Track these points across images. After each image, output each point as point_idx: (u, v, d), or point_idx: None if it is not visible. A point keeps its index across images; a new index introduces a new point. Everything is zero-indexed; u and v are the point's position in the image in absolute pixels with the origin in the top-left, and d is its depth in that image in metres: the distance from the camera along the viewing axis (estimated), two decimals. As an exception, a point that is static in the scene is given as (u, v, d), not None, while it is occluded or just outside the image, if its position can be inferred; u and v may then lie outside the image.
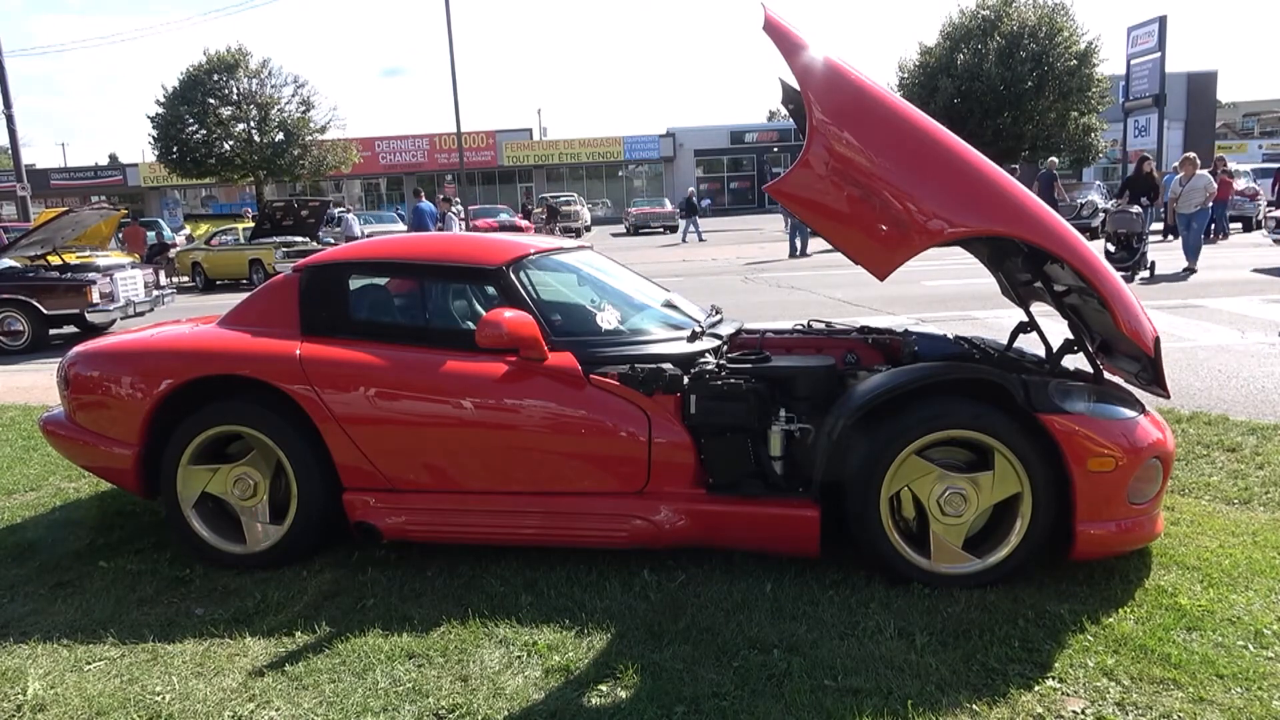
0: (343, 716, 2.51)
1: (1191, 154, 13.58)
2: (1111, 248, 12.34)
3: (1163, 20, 25.57)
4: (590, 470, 3.33)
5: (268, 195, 36.01)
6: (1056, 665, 2.61)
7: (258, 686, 2.68)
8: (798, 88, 3.04)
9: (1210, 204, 13.20)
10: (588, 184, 47.20)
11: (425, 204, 16.14)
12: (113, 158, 51.30)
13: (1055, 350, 3.44)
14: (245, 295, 3.95)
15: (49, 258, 11.82)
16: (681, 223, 27.92)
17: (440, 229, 16.23)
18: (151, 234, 23.66)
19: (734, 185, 47.54)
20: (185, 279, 19.83)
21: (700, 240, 25.92)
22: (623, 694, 2.55)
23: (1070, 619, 2.85)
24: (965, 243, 3.35)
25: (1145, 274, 11.97)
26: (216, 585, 3.42)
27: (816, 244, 18.45)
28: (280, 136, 34.40)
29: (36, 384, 8.14)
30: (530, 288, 3.67)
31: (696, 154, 47.58)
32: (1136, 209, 12.51)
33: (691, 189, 29.89)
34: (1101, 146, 31.80)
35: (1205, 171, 13.39)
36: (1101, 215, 19.39)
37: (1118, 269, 10.94)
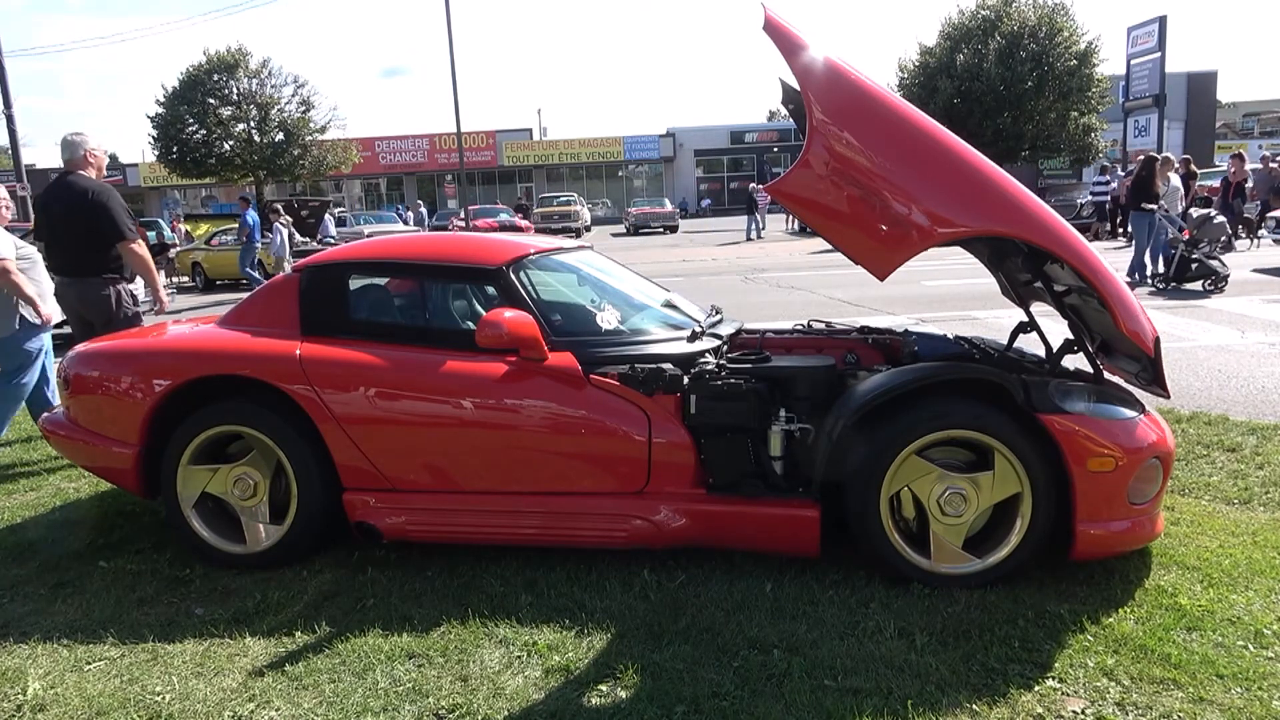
0: (343, 716, 2.51)
1: (1168, 154, 13.12)
2: (1175, 257, 10.83)
3: (1163, 20, 25.60)
4: (590, 470, 3.33)
5: (268, 195, 36.01)
6: (1056, 665, 2.61)
7: (258, 686, 2.68)
8: (798, 88, 3.04)
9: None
10: (588, 184, 47.22)
11: (250, 214, 16.20)
12: (113, 158, 51.00)
13: (1055, 350, 3.44)
14: (245, 295, 3.95)
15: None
16: (745, 219, 27.75)
17: (266, 243, 16.28)
18: (151, 234, 23.63)
19: (734, 185, 47.49)
20: (185, 279, 19.83)
21: (760, 237, 25.75)
22: (623, 694, 2.55)
23: (1070, 619, 2.85)
24: (965, 243, 3.35)
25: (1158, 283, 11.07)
26: (216, 585, 3.42)
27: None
28: (280, 136, 34.46)
29: (36, 384, 8.12)
30: (530, 288, 3.67)
31: (696, 154, 47.64)
32: (1222, 217, 11.33)
33: (754, 185, 29.40)
34: (1101, 146, 31.82)
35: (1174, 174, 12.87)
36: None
37: (1208, 287, 10.18)
